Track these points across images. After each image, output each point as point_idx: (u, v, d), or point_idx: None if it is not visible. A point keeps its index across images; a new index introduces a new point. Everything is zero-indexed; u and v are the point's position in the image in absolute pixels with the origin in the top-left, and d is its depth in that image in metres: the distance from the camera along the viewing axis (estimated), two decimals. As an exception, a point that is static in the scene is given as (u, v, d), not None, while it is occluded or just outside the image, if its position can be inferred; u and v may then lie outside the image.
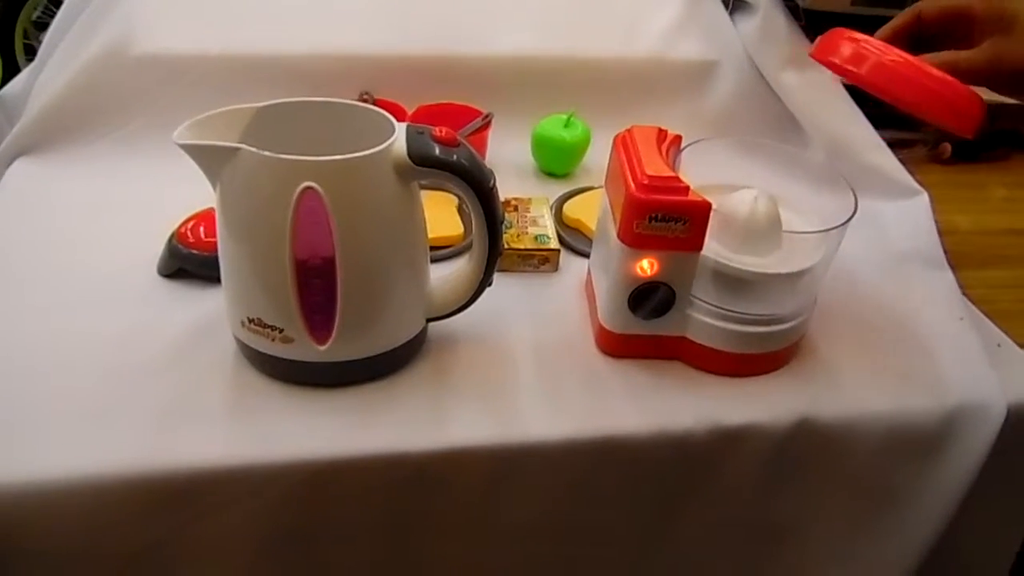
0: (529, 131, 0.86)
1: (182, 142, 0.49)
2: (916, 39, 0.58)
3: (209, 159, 0.51)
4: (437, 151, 0.52)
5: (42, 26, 2.50)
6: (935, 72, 0.54)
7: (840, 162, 0.83)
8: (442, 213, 0.74)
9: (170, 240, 0.66)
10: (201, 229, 0.66)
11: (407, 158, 0.51)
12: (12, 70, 2.46)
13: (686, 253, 0.57)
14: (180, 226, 0.67)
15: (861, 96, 0.89)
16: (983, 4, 0.54)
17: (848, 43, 0.58)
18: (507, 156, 0.86)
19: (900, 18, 0.58)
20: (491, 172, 0.55)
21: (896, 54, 0.56)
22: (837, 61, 0.58)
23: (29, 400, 0.55)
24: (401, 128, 0.53)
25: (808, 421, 0.59)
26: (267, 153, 0.49)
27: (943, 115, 0.56)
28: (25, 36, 2.48)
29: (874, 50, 0.57)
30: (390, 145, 0.51)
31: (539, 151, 0.86)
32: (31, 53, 2.49)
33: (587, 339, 0.64)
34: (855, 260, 0.67)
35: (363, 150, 0.50)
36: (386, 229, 0.54)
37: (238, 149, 0.49)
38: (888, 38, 0.58)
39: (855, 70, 0.57)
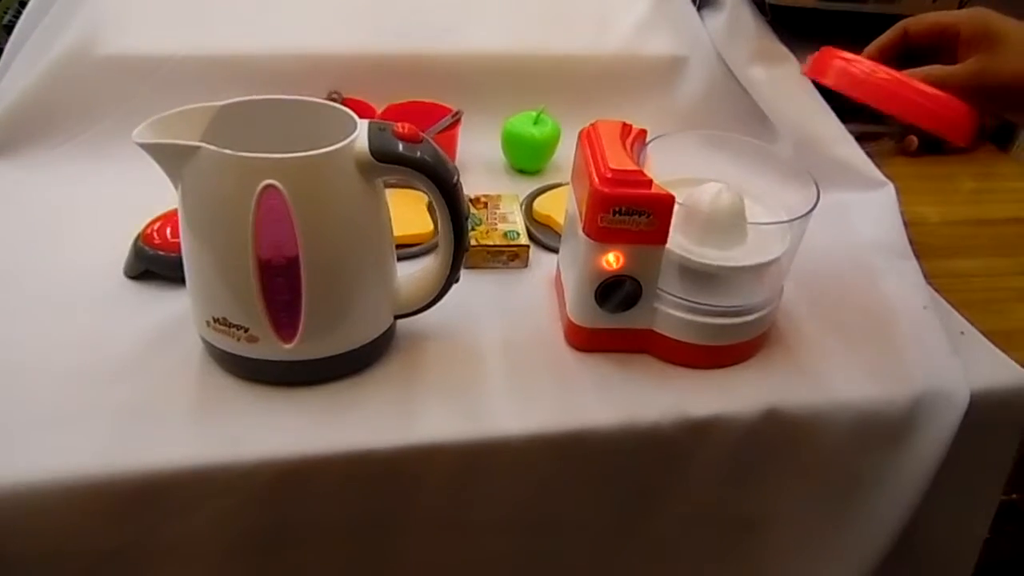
0: (499, 128, 0.86)
1: (141, 141, 0.49)
2: (902, 55, 0.60)
3: (169, 158, 0.50)
4: (400, 147, 0.52)
5: (11, 30, 2.46)
6: (923, 87, 0.56)
7: (807, 155, 0.83)
8: (411, 211, 0.74)
9: (136, 241, 0.66)
10: (167, 230, 0.65)
11: (369, 155, 0.51)
12: (-17, 74, 2.42)
13: (651, 246, 0.57)
14: (146, 227, 0.66)
15: (829, 91, 0.90)
16: (968, 23, 0.55)
17: (838, 63, 0.60)
18: (477, 153, 0.86)
19: (887, 35, 0.59)
20: (455, 168, 0.55)
21: (885, 72, 0.57)
22: (829, 83, 0.61)
23: (-7, 403, 0.54)
24: (363, 125, 0.52)
25: (775, 411, 0.59)
26: (227, 151, 0.49)
27: (935, 127, 0.58)
28: (-4, 40, 2.45)
29: (863, 70, 0.59)
30: (352, 142, 0.51)
31: (509, 148, 0.86)
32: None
33: (556, 334, 0.64)
34: (822, 251, 0.68)
35: (325, 147, 0.50)
36: (350, 226, 0.53)
37: (198, 148, 0.49)
38: (875, 55, 0.59)
39: (847, 90, 0.59)
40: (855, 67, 0.59)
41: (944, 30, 0.57)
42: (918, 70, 0.57)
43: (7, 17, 2.48)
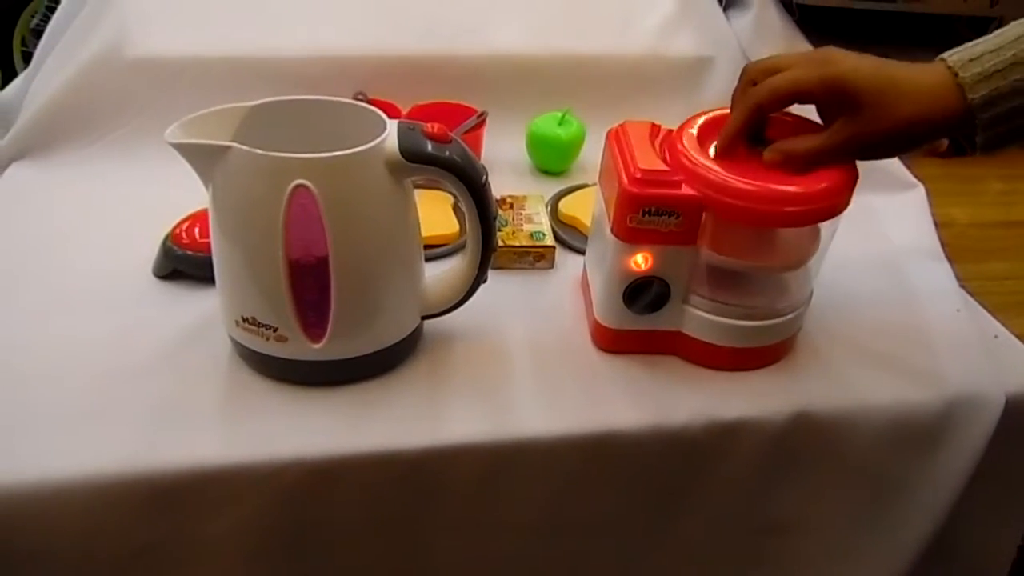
0: (524, 129, 0.86)
1: (174, 141, 0.49)
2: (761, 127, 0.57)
3: (201, 158, 0.51)
4: (429, 147, 0.52)
5: (40, 33, 2.49)
6: (785, 190, 0.53)
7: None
8: (437, 212, 0.74)
9: (165, 241, 0.66)
10: (196, 230, 0.66)
11: (399, 155, 0.51)
12: (10, 79, 2.47)
13: (680, 247, 0.56)
14: (175, 227, 0.67)
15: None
16: (820, 86, 0.53)
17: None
18: (502, 154, 0.86)
19: (741, 115, 0.56)
20: (483, 168, 0.54)
21: (741, 184, 0.53)
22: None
23: (25, 402, 0.55)
24: (393, 125, 0.52)
25: (805, 415, 0.58)
26: (258, 151, 0.49)
27: (813, 222, 0.57)
28: (23, 44, 2.48)
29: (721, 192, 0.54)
30: (382, 142, 0.51)
31: (534, 149, 0.86)
32: (29, 61, 2.49)
33: (583, 335, 0.64)
34: (852, 253, 0.67)
35: (355, 147, 0.50)
36: (379, 226, 0.53)
37: (229, 147, 0.49)
38: (733, 138, 0.56)
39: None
40: (712, 197, 0.54)
41: (799, 97, 0.54)
42: (792, 146, 0.55)
43: (34, 21, 2.52)
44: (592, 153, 0.80)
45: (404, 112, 0.83)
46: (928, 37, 1.04)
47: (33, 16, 2.47)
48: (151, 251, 0.67)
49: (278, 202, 0.49)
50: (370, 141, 0.51)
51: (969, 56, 0.52)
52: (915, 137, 0.54)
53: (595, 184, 0.66)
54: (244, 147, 0.49)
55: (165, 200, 0.67)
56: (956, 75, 0.51)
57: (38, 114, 0.82)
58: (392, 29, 0.90)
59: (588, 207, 0.70)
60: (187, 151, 0.50)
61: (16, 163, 0.81)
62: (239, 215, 0.52)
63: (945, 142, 0.96)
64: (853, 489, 0.62)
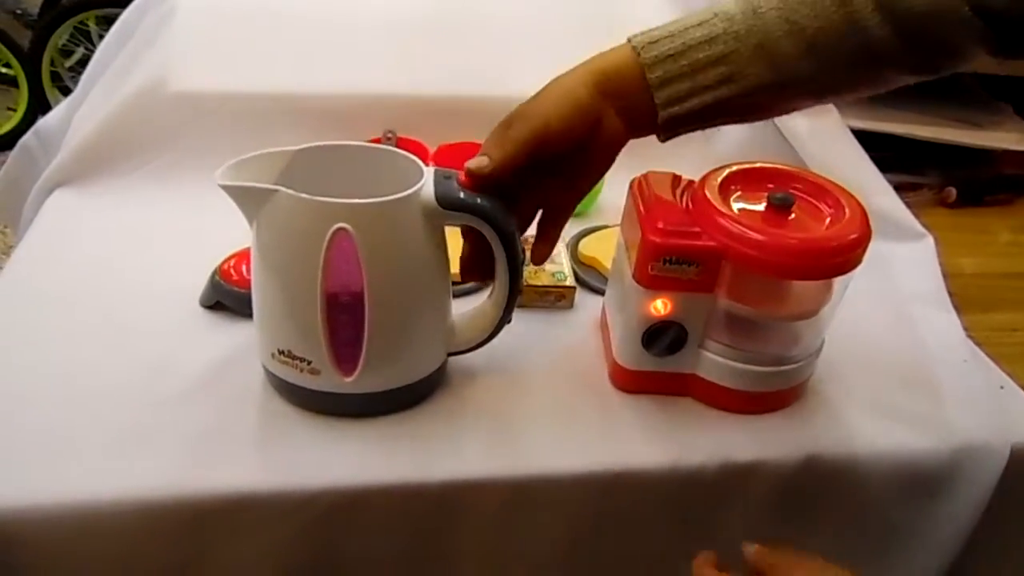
0: (546, 171, 0.88)
1: (223, 183, 0.52)
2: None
3: (248, 199, 0.53)
4: (463, 196, 0.55)
5: (67, 53, 2.57)
6: (801, 244, 0.57)
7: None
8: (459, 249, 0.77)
9: (213, 275, 0.68)
10: (244, 267, 0.67)
11: (435, 201, 0.54)
12: (40, 97, 2.54)
13: (699, 294, 0.59)
14: (223, 262, 0.69)
15: (867, 141, 0.92)
16: None
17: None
18: (524, 194, 0.88)
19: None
20: (513, 215, 0.57)
21: (762, 247, 0.56)
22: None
23: (66, 425, 0.57)
24: (429, 173, 0.55)
25: (815, 458, 0.60)
26: (304, 195, 0.52)
27: (821, 276, 0.60)
28: (51, 64, 2.55)
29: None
30: (419, 189, 0.54)
31: (555, 190, 0.89)
32: (56, 79, 2.56)
33: (601, 374, 0.66)
34: (862, 301, 0.69)
35: (393, 193, 0.53)
36: (413, 268, 0.56)
37: (276, 191, 0.52)
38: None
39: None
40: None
41: None
42: None
43: (62, 40, 2.58)
44: (611, 195, 0.82)
45: (431, 151, 0.86)
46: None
47: (60, 37, 2.54)
48: (190, 278, 0.69)
49: (319, 243, 0.52)
50: (406, 186, 0.54)
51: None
52: None
53: (614, 225, 0.68)
54: (290, 191, 0.52)
55: (202, 227, 0.69)
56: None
57: (82, 143, 0.85)
58: (421, 72, 0.94)
59: (607, 248, 0.72)
60: (236, 193, 0.53)
61: (59, 189, 0.84)
62: (281, 253, 0.55)
63: (954, 192, 0.99)
64: (860, 533, 0.64)
